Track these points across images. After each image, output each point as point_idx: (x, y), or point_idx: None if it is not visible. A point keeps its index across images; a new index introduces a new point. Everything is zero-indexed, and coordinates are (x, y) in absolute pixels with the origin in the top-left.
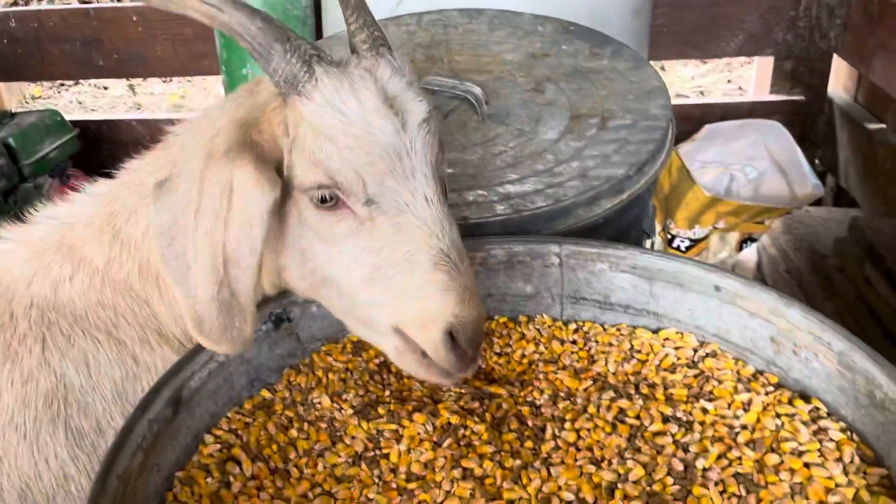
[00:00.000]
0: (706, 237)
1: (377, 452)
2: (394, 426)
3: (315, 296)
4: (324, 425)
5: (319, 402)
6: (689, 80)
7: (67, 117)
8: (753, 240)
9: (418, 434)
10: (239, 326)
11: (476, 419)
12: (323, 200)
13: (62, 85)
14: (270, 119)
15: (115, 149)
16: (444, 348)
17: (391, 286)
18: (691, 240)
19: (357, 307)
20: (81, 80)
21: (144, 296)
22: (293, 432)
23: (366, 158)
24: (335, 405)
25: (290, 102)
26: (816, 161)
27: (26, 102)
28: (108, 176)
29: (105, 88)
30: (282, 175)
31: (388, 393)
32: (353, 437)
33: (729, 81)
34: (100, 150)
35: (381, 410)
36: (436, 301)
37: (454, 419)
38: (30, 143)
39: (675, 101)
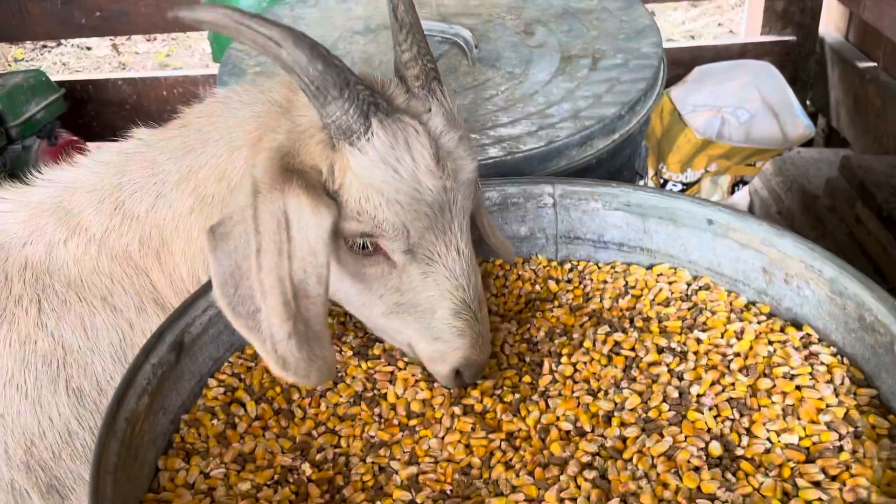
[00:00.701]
0: (698, 181)
1: (376, 392)
2: (391, 368)
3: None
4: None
5: None
6: (679, 24)
7: (52, 78)
8: (745, 182)
9: (413, 375)
10: (321, 355)
11: None
12: (361, 247)
13: (45, 47)
14: (312, 152)
15: (102, 109)
16: (448, 379)
17: (410, 321)
18: (684, 183)
19: (373, 325)
20: (64, 41)
21: (144, 266)
22: None
23: (413, 215)
24: (335, 348)
25: (339, 148)
26: (808, 102)
27: (9, 65)
28: (110, 139)
29: (88, 49)
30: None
31: None
32: (353, 378)
33: (720, 25)
34: (86, 110)
35: (376, 351)
36: (450, 343)
37: None
38: (15, 104)
39: (665, 46)
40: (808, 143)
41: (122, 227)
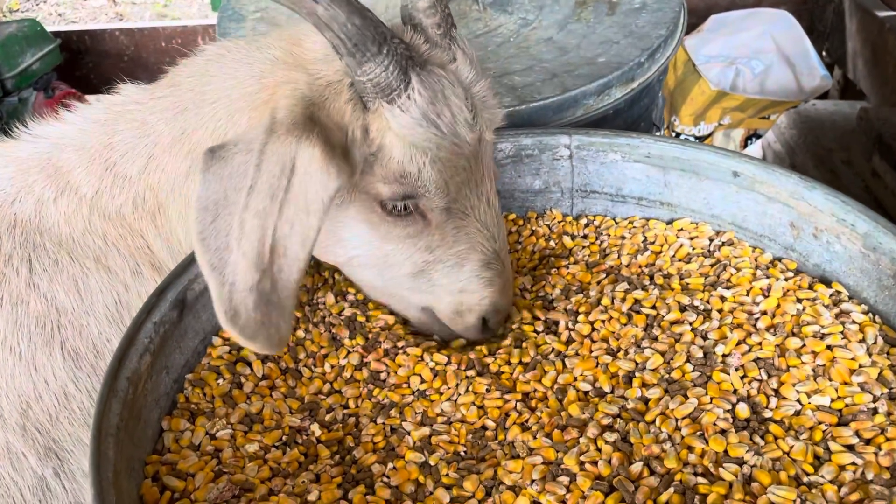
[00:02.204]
0: (711, 134)
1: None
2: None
3: (337, 266)
4: (335, 325)
5: (324, 302)
6: None
7: (48, 29)
8: (758, 136)
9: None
10: (276, 323)
11: None
12: (400, 208)
13: None
14: (341, 110)
15: (100, 60)
16: (475, 329)
17: (436, 278)
18: (696, 137)
19: (392, 290)
20: None
21: (138, 228)
22: (300, 333)
23: (452, 170)
24: (342, 303)
25: (376, 108)
26: (824, 52)
27: (3, 16)
28: (99, 91)
29: None
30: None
31: None
32: (353, 346)
33: None
34: (83, 62)
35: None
36: (479, 294)
37: None
38: (10, 54)
39: None
40: (824, 96)
41: (113, 188)
